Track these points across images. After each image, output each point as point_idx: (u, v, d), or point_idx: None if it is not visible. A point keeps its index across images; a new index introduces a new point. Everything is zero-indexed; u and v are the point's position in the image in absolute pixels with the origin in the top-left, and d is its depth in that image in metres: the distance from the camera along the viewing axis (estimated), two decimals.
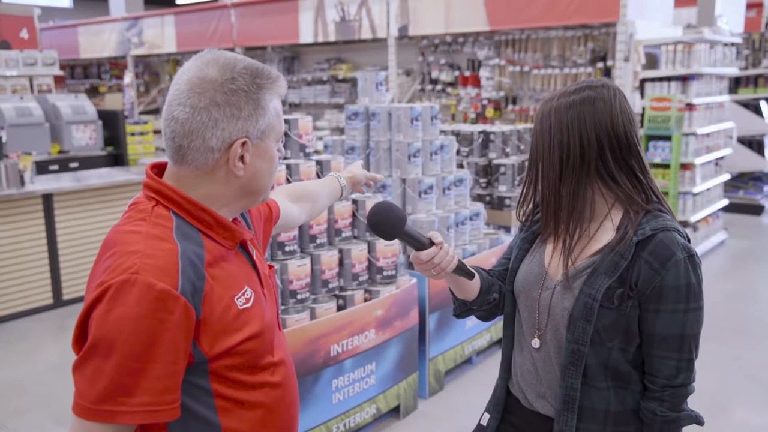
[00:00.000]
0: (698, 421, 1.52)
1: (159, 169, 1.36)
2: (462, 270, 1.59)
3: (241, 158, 1.28)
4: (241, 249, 1.39)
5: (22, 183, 5.33)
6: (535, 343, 1.58)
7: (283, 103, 1.38)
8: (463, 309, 1.73)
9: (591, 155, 1.49)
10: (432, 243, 1.53)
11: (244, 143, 1.27)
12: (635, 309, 1.47)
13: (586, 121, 1.48)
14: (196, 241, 1.26)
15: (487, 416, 1.74)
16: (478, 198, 5.22)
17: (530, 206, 1.69)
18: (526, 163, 1.50)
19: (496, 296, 1.71)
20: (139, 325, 1.14)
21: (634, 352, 1.51)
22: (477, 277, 1.67)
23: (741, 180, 9.34)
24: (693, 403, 1.59)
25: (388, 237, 1.50)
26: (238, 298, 1.28)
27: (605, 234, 1.53)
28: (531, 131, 1.55)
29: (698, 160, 6.65)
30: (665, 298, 1.44)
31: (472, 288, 1.67)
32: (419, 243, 1.52)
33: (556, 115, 1.51)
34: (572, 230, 1.54)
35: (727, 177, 7.74)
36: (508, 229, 5.03)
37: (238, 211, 1.37)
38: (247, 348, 1.29)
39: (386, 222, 1.49)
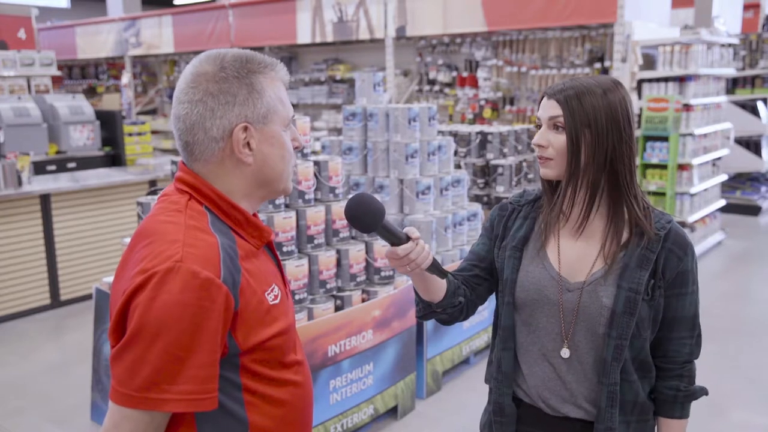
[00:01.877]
0: (705, 392, 1.63)
1: None
2: (436, 268, 1.54)
3: (247, 145, 1.29)
4: (266, 249, 1.41)
5: (20, 183, 5.33)
6: (565, 352, 1.57)
7: None
8: (427, 311, 1.66)
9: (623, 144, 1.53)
10: (408, 238, 1.47)
11: (246, 128, 1.28)
12: (661, 297, 1.54)
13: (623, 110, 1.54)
14: (228, 237, 1.28)
15: None
16: (476, 198, 5.23)
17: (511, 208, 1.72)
18: (570, 138, 1.50)
19: (461, 299, 1.67)
20: (185, 312, 1.14)
21: (652, 341, 1.59)
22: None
23: (738, 180, 9.36)
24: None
25: (366, 229, 1.44)
26: (268, 294, 1.30)
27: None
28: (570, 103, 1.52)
29: (695, 161, 6.67)
30: (686, 282, 1.55)
31: (439, 289, 1.62)
32: (396, 237, 1.46)
33: (604, 96, 1.52)
34: (617, 222, 1.55)
35: (724, 177, 7.76)
36: None
37: (258, 203, 1.39)
38: (275, 344, 1.30)
39: (366, 213, 1.42)
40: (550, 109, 1.54)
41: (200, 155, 1.30)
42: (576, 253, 1.58)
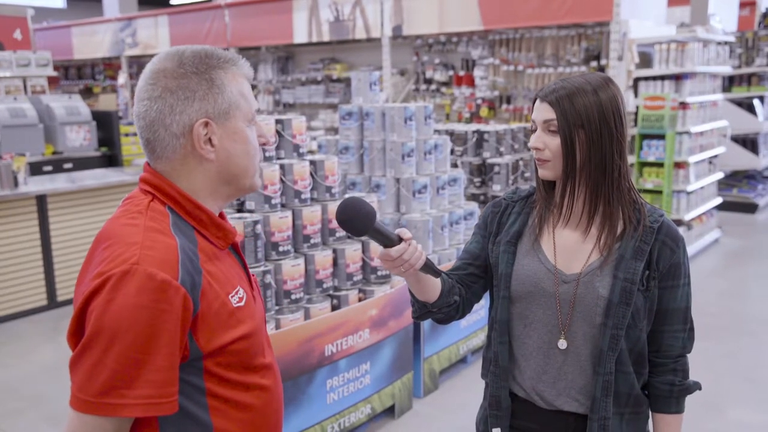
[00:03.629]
0: (699, 386, 1.65)
1: None
2: (429, 267, 1.55)
3: (209, 141, 1.28)
4: (231, 250, 1.39)
5: (16, 184, 5.32)
6: (562, 344, 1.58)
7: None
8: (423, 311, 1.67)
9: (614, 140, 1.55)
10: (401, 239, 1.48)
11: (206, 124, 1.27)
12: (656, 289, 1.56)
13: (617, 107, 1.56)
14: (190, 239, 1.26)
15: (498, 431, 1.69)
16: (473, 197, 5.23)
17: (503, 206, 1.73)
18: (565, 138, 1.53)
19: (457, 298, 1.68)
20: (141, 315, 1.13)
21: (647, 334, 1.60)
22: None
23: (735, 178, 9.37)
24: (687, 400, 1.62)
25: (358, 233, 1.45)
26: (232, 297, 1.29)
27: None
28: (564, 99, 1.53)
29: (692, 159, 6.67)
30: (678, 274, 1.58)
31: (434, 289, 1.62)
32: (388, 239, 1.46)
33: (595, 95, 1.52)
34: (612, 215, 1.56)
35: (720, 175, 7.77)
36: None
37: (224, 202, 1.37)
38: (240, 347, 1.29)
39: (357, 217, 1.43)
40: (543, 112, 1.55)
41: (162, 153, 1.28)
42: (571, 246, 1.59)
